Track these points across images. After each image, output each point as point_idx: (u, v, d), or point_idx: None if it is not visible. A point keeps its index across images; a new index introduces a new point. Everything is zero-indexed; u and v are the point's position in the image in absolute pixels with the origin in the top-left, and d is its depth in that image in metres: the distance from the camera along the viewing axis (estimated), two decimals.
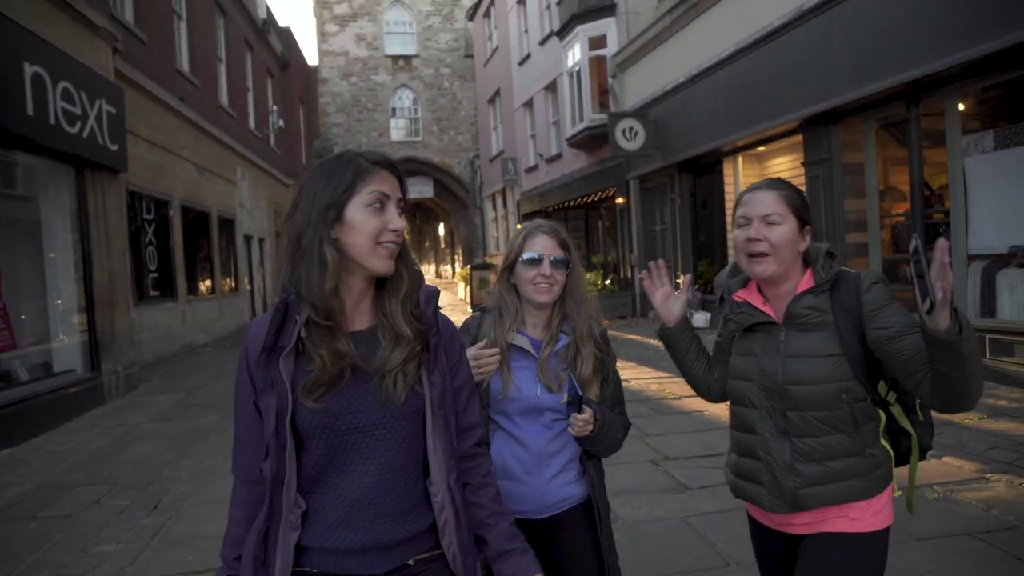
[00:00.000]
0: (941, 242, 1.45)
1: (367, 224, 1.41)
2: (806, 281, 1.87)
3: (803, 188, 9.84)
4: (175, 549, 4.12)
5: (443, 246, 45.78)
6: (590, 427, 1.96)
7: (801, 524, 1.89)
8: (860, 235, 9.21)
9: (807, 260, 1.91)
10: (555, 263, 2.04)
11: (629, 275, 16.85)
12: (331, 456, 1.41)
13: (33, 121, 7.29)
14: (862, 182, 9.13)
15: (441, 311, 1.60)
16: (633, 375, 8.81)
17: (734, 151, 11.96)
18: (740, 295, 1.96)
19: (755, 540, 2.08)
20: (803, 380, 1.81)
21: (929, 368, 1.64)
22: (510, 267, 2.11)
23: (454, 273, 36.73)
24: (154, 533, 4.37)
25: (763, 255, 1.84)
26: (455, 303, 23.67)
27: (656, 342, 11.96)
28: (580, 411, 1.95)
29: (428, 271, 52.86)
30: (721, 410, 6.77)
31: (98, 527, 4.56)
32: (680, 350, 2.12)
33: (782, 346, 1.86)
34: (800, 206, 1.86)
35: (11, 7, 7.04)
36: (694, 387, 2.19)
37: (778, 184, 1.90)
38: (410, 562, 1.47)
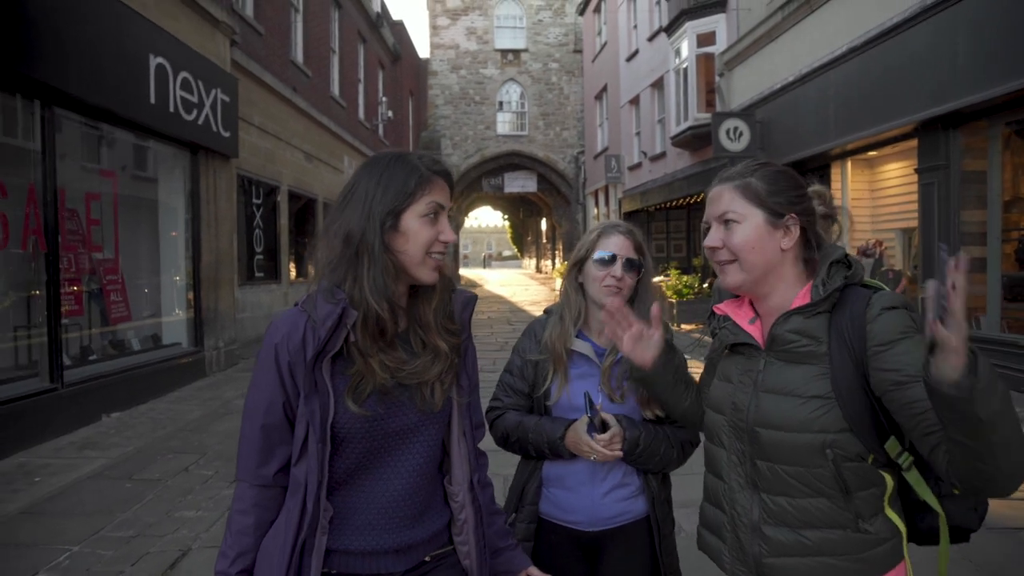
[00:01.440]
0: (959, 257, 1.07)
1: (421, 234, 1.41)
2: (802, 296, 1.48)
3: (915, 196, 9.28)
4: None
5: (544, 241, 45.84)
6: (618, 449, 1.84)
7: None
8: (979, 249, 8.58)
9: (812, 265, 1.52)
10: (628, 265, 1.95)
11: None
12: (366, 459, 1.42)
13: (154, 109, 7.80)
14: (984, 191, 8.51)
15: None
16: None
17: (843, 155, 11.38)
18: (723, 307, 1.61)
19: None
20: (775, 424, 1.43)
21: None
22: (579, 264, 2.02)
23: (553, 268, 36.74)
24: (230, 505, 4.60)
25: (728, 262, 1.50)
26: (552, 299, 23.71)
27: None
28: (600, 431, 1.85)
29: (528, 265, 53.10)
30: None
31: (183, 493, 4.85)
32: (661, 388, 1.71)
33: (759, 377, 1.49)
34: (768, 193, 1.46)
35: (140, 2, 7.54)
36: (684, 423, 1.82)
37: (740, 173, 1.50)
38: (427, 559, 1.49)
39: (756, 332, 1.53)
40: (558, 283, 25.12)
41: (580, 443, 1.87)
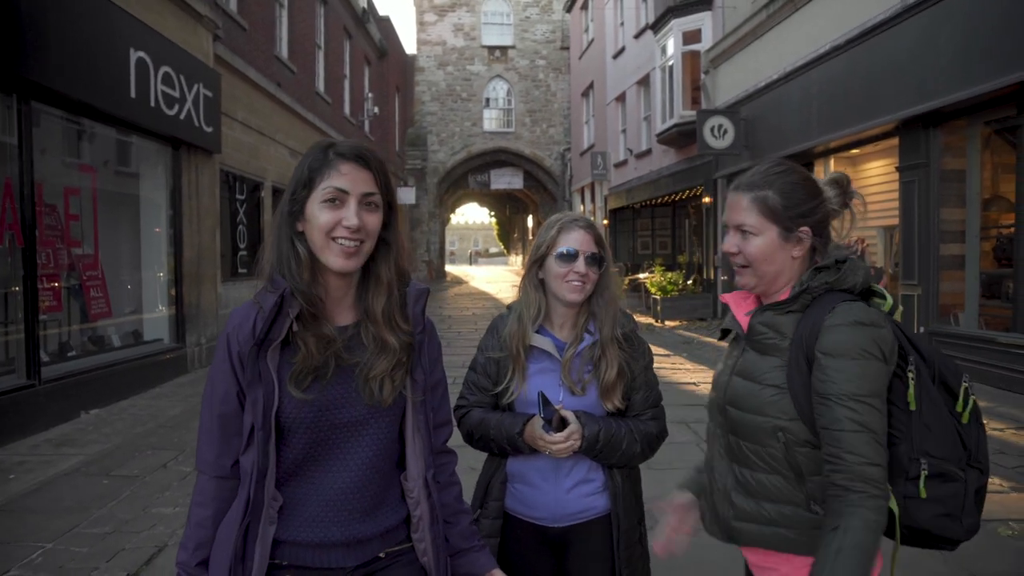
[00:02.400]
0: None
1: (320, 219, 1.38)
2: (785, 293, 1.60)
3: (896, 195, 9.35)
4: None
5: (531, 237, 45.79)
6: (574, 445, 1.84)
7: (748, 557, 1.67)
8: (958, 246, 8.66)
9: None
10: (591, 260, 1.92)
11: (712, 277, 16.45)
12: (313, 450, 1.42)
13: (134, 103, 7.74)
14: (963, 189, 8.58)
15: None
16: (702, 379, 8.60)
17: (826, 153, 11.46)
18: (727, 298, 1.75)
19: None
20: (739, 404, 1.58)
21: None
22: (539, 261, 1.98)
23: None
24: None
25: (743, 266, 1.62)
26: None
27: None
28: (557, 429, 1.83)
29: (515, 262, 53.11)
30: None
31: (161, 490, 4.82)
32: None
33: (737, 361, 1.64)
34: (783, 208, 1.55)
35: None
36: None
37: (758, 182, 1.59)
38: (381, 555, 1.48)
39: (745, 323, 1.65)
40: None
41: (536, 439, 1.87)
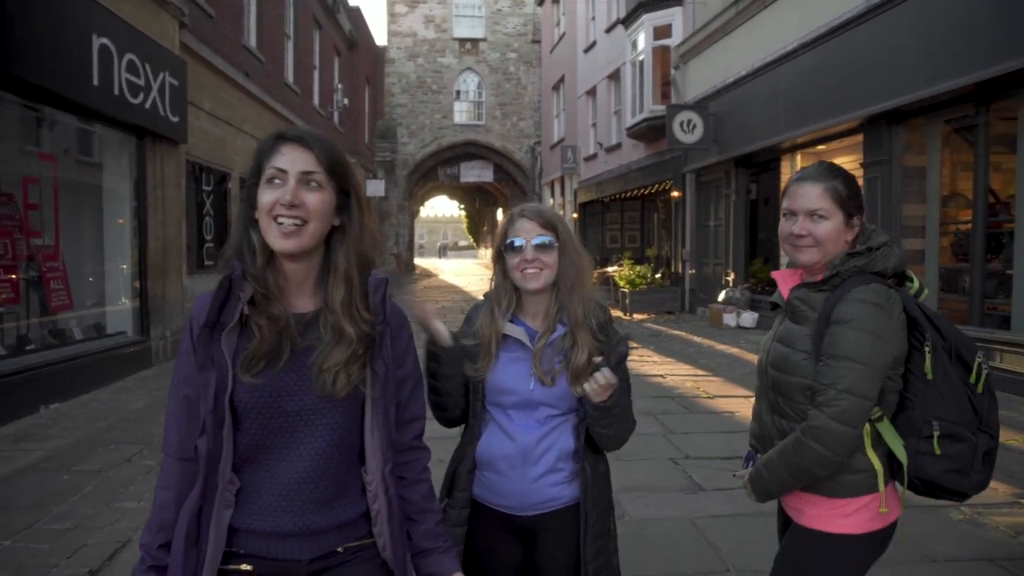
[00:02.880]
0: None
1: (262, 199, 1.40)
2: (819, 272, 1.88)
3: (861, 190, 9.51)
4: None
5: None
6: (610, 391, 1.82)
7: (786, 501, 1.96)
8: (918, 241, 8.86)
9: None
10: (539, 247, 1.92)
11: (680, 270, 16.60)
12: (265, 438, 1.41)
13: (97, 91, 7.56)
14: (923, 186, 8.77)
15: (393, 299, 1.57)
16: (669, 371, 8.68)
17: (793, 148, 11.63)
18: (778, 274, 2.04)
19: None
20: (778, 366, 1.89)
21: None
22: (500, 254, 2.02)
23: None
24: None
25: (809, 246, 1.87)
26: None
27: (699, 338, 11.81)
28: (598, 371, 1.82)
29: (484, 255, 53.07)
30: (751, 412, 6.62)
31: (125, 484, 4.75)
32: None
33: (778, 330, 1.95)
34: (848, 197, 1.84)
35: None
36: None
37: (825, 175, 1.86)
38: (339, 549, 1.47)
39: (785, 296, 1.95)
40: None
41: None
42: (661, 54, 16.68)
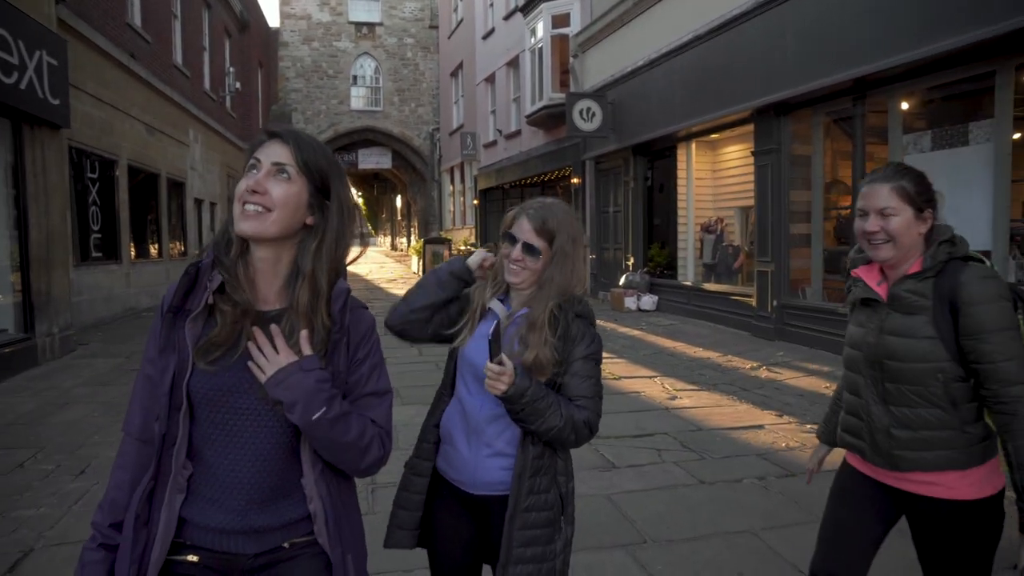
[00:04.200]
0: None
1: (238, 187, 1.44)
2: (916, 265, 2.00)
3: (752, 177, 10.03)
4: None
5: (399, 218, 45.40)
6: (503, 383, 1.79)
7: (897, 480, 2.06)
8: (805, 226, 9.42)
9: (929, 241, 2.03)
10: (526, 249, 1.96)
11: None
12: (214, 431, 1.42)
13: None
14: (809, 173, 9.33)
15: (366, 308, 1.59)
16: None
17: (688, 137, 12.08)
18: (858, 271, 2.14)
19: (841, 479, 2.25)
20: (898, 357, 1.98)
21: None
22: (503, 239, 2.07)
23: (409, 246, 36.50)
24: (78, 498, 4.31)
25: (883, 242, 2.00)
26: (408, 276, 23.58)
27: (602, 321, 12.07)
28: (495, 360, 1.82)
29: (383, 243, 52.42)
30: (658, 391, 6.93)
31: (19, 491, 4.48)
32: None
33: (883, 324, 2.03)
34: (916, 193, 1.98)
35: None
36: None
37: (893, 175, 2.01)
38: (285, 544, 1.48)
39: (882, 291, 2.07)
40: (414, 261, 24.98)
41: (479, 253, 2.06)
42: (560, 43, 16.91)
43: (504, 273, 2.01)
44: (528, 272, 1.97)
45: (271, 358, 1.39)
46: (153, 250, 14.73)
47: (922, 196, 2.00)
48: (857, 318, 2.14)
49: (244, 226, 1.41)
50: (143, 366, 1.47)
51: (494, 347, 1.80)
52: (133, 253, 13.26)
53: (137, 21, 13.41)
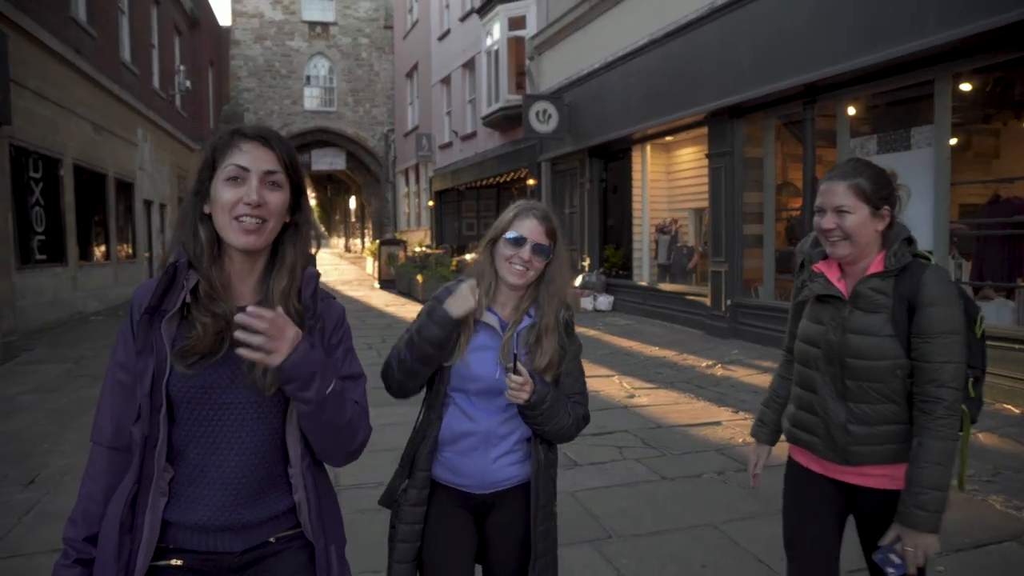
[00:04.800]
0: None
1: (222, 197, 1.40)
2: (876, 264, 2.03)
3: (706, 179, 10.22)
4: (51, 524, 3.93)
5: (353, 220, 45.02)
6: (526, 392, 1.89)
7: (848, 475, 2.10)
8: (758, 227, 9.63)
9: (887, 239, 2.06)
10: (536, 250, 1.98)
11: None
12: (195, 429, 1.41)
13: None
14: (761, 175, 9.54)
15: (334, 298, 1.59)
16: None
17: (644, 139, 12.24)
18: (820, 266, 2.14)
19: (793, 482, 2.28)
20: (862, 355, 2.01)
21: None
22: (494, 241, 2.04)
23: (363, 247, 36.17)
24: (28, 509, 4.18)
25: (839, 240, 2.02)
26: (363, 278, 23.38)
27: None
28: (516, 372, 1.88)
29: (337, 244, 51.87)
30: (616, 390, 7.01)
31: None
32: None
33: (845, 322, 2.05)
34: (872, 191, 2.00)
35: None
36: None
37: (850, 173, 2.03)
38: (271, 540, 1.48)
39: (843, 288, 2.08)
40: (369, 262, 24.77)
41: (462, 295, 1.93)
42: (516, 45, 16.96)
43: (507, 275, 2.00)
44: (533, 273, 2.00)
45: (281, 336, 1.33)
46: (100, 253, 14.33)
47: (878, 194, 2.01)
48: (814, 314, 2.14)
49: (243, 241, 1.40)
50: (111, 371, 1.44)
51: (515, 363, 1.90)
52: (79, 256, 12.89)
53: (82, 16, 13.05)
